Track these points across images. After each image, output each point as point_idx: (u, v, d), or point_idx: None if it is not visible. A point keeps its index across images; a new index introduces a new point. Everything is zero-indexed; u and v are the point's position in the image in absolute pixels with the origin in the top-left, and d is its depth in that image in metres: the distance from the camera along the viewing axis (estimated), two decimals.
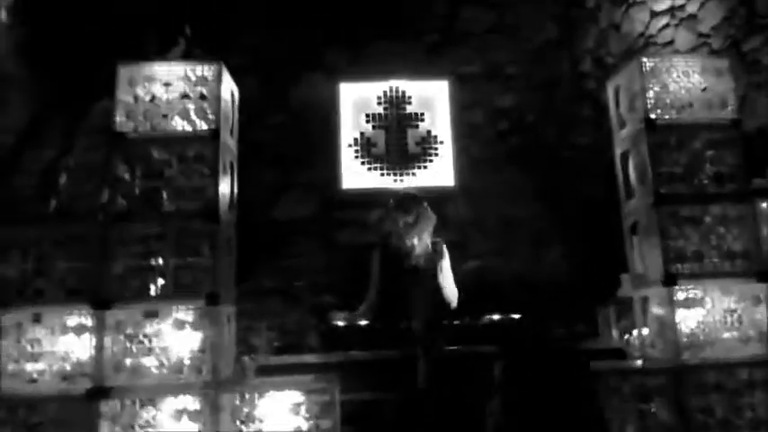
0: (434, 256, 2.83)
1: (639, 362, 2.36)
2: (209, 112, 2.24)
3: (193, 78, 2.26)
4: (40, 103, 4.29)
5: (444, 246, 2.92)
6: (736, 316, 2.09)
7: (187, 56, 4.57)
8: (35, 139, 4.35)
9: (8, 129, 4.14)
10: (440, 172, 4.91)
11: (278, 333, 4.20)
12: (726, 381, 2.05)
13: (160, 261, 2.16)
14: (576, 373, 2.10)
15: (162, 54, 4.50)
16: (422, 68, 5.05)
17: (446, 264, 2.91)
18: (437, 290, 2.78)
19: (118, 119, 2.24)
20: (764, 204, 2.18)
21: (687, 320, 2.07)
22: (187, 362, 2.09)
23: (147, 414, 2.04)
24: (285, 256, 4.78)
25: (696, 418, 2.03)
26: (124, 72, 2.26)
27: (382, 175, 4.90)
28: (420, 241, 2.81)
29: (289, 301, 4.67)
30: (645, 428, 2.05)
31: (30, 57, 4.14)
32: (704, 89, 2.24)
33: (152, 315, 2.11)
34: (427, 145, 4.96)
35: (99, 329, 2.08)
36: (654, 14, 3.79)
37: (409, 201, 2.89)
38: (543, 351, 2.25)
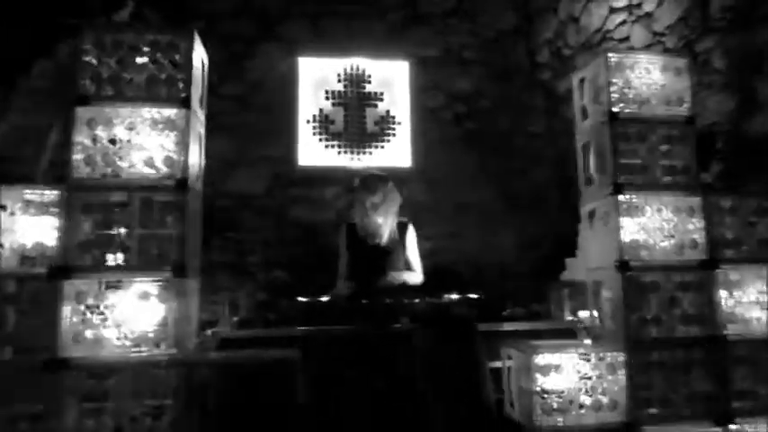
0: (401, 234, 2.88)
1: (588, 341, 2.50)
2: (179, 78, 2.18)
3: (163, 44, 2.19)
4: None
5: (411, 224, 2.98)
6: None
7: (136, 18, 4.38)
8: None
9: None
10: (397, 152, 4.95)
11: (230, 308, 4.15)
12: None
13: (123, 231, 2.11)
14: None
15: (107, 15, 4.29)
16: (383, 48, 5.05)
17: (412, 242, 2.97)
18: (402, 268, 2.84)
19: (80, 81, 2.14)
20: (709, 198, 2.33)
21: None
22: (150, 335, 2.06)
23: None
24: (238, 231, 4.72)
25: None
26: (89, 34, 2.16)
27: (339, 153, 4.89)
28: (386, 220, 2.86)
29: (240, 276, 4.63)
30: None
31: None
32: (663, 86, 2.36)
33: (114, 286, 2.06)
34: (385, 125, 4.98)
35: (58, 300, 2.01)
36: (612, 10, 3.92)
37: (375, 180, 2.93)
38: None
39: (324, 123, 4.90)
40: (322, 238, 4.68)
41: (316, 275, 3.50)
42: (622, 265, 2.21)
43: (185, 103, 2.15)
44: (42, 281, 2.02)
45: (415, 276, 3.09)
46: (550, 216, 4.89)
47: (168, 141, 2.15)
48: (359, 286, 2.81)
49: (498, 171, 5.09)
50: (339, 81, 4.97)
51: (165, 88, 2.17)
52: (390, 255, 2.94)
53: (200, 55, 2.32)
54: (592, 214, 2.43)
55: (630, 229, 2.26)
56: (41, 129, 4.10)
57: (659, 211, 2.27)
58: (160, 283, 2.07)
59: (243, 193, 4.82)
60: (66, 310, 2.01)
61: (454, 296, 2.77)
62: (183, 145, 2.14)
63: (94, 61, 2.17)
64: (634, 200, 2.27)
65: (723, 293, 2.31)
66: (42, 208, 2.10)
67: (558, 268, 4.10)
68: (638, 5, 3.62)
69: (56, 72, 3.89)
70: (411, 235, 3.04)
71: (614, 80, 2.29)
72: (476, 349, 2.34)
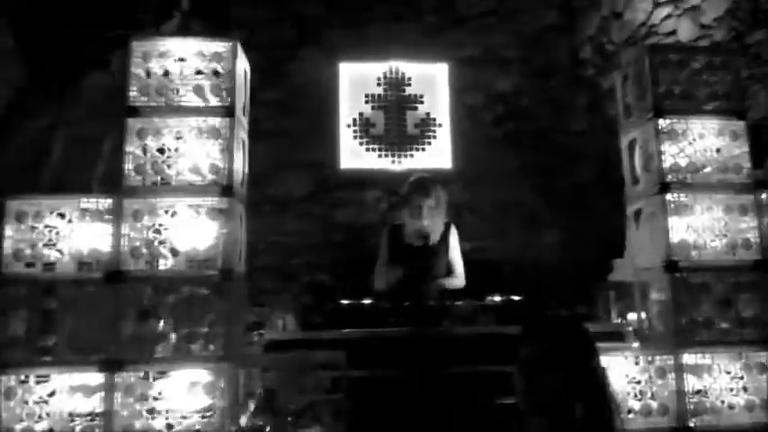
0: (445, 235, 2.89)
1: (636, 344, 2.44)
2: (223, 88, 2.24)
3: (207, 54, 2.26)
4: (31, 73, 4.22)
5: (453, 226, 2.98)
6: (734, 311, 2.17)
7: (183, 29, 4.51)
8: (26, 110, 4.28)
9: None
10: (437, 154, 4.94)
11: (273, 311, 4.24)
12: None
13: (171, 235, 2.18)
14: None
15: (156, 26, 4.44)
16: (422, 50, 5.05)
17: (455, 244, 2.98)
18: (447, 269, 2.85)
19: (131, 93, 2.23)
20: (764, 195, 2.25)
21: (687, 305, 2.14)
22: (202, 332, 2.12)
23: (159, 386, 2.07)
24: (282, 234, 4.80)
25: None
26: (137, 46, 2.25)
27: (380, 156, 4.92)
28: (436, 223, 2.88)
29: (285, 280, 4.71)
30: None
31: (20, 26, 4.07)
32: (711, 82, 2.29)
33: (166, 290, 2.13)
34: (425, 127, 4.98)
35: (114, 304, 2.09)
36: (657, 4, 3.83)
37: (428, 183, 2.96)
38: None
39: (364, 127, 4.94)
40: (364, 240, 4.72)
41: (359, 278, 3.54)
42: (670, 266, 2.15)
43: (229, 112, 2.21)
44: (99, 285, 2.11)
45: (458, 281, 3.08)
46: (595, 215, 4.79)
47: (213, 149, 2.21)
48: (403, 289, 2.82)
49: (540, 170, 5.02)
50: (379, 84, 5.00)
51: (210, 97, 2.24)
52: (437, 257, 2.96)
53: (243, 63, 2.38)
54: (638, 214, 2.37)
55: (679, 229, 2.19)
56: (96, 139, 4.27)
57: (709, 209, 2.20)
58: (209, 286, 2.13)
59: (286, 197, 4.91)
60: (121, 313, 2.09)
61: (496, 298, 2.75)
62: (227, 152, 2.20)
63: (142, 73, 2.26)
64: (682, 198, 2.20)
65: None
66: (98, 215, 2.19)
67: (604, 269, 4.01)
68: None
69: (109, 83, 4.05)
70: (454, 237, 3.05)
71: (660, 75, 2.23)
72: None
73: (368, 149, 4.91)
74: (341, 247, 4.82)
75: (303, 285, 4.77)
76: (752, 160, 2.30)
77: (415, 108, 5.00)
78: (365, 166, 4.88)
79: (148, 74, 2.27)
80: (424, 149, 4.95)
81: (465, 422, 2.46)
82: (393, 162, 4.90)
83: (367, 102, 4.97)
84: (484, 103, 5.16)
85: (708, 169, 2.24)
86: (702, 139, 2.26)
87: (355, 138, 4.92)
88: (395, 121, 4.96)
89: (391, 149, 4.93)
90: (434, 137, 4.97)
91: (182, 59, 2.27)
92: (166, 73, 2.26)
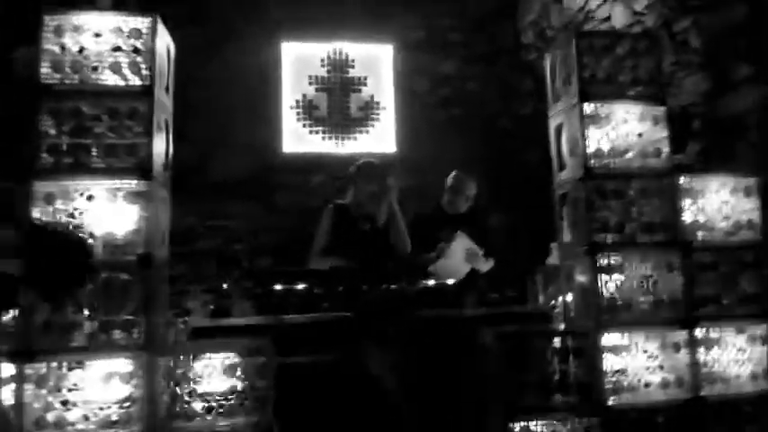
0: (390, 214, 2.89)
1: (562, 326, 2.49)
2: (142, 66, 2.14)
3: (126, 30, 2.15)
4: None
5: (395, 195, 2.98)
6: (651, 281, 2.24)
7: (118, 4, 4.32)
8: None
9: None
10: (381, 138, 4.92)
11: (214, 296, 4.16)
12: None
13: (87, 220, 2.09)
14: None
15: (92, 2, 4.24)
16: (367, 32, 4.99)
17: (398, 214, 2.98)
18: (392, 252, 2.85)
19: (43, 70, 2.11)
20: (682, 180, 2.32)
21: (608, 286, 2.19)
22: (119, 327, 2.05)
23: (74, 377, 2.00)
24: (222, 218, 4.71)
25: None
26: (50, 21, 2.13)
27: (324, 139, 4.86)
28: (381, 208, 2.87)
29: (228, 264, 4.62)
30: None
31: None
32: (634, 67, 2.33)
33: None
34: (370, 110, 4.94)
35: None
36: None
37: (374, 169, 2.93)
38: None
39: (307, 109, 4.86)
40: (308, 225, 4.67)
41: (303, 262, 3.50)
42: (591, 248, 2.19)
43: (148, 91, 2.12)
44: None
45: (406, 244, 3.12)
46: (540, 199, 4.86)
47: (133, 130, 2.12)
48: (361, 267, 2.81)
49: (486, 155, 5.06)
50: (323, 66, 4.93)
51: (129, 75, 2.14)
52: (387, 237, 2.99)
53: (165, 41, 2.28)
54: (564, 197, 2.41)
55: (601, 213, 2.24)
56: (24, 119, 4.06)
57: (629, 194, 2.25)
58: (127, 272, 2.06)
59: (228, 180, 4.79)
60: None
61: (430, 282, 2.76)
62: (146, 134, 2.11)
63: (56, 49, 2.14)
64: (607, 184, 2.25)
65: None
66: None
67: (543, 253, 4.09)
68: None
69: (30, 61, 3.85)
70: (396, 208, 3.06)
71: (585, 60, 2.25)
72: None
73: (311, 132, 4.85)
74: (284, 230, 4.75)
75: (246, 270, 4.69)
76: (674, 145, 2.36)
77: (359, 91, 4.95)
78: (308, 149, 4.82)
79: (63, 49, 2.16)
80: (367, 133, 4.91)
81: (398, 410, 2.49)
82: (337, 145, 4.85)
83: (310, 83, 4.89)
84: (429, 87, 5.15)
85: (630, 154, 2.28)
86: (625, 124, 2.30)
87: (298, 120, 4.85)
88: (339, 103, 4.90)
89: (335, 132, 4.87)
90: (378, 120, 4.94)
91: (98, 35, 2.16)
92: (81, 50, 2.15)
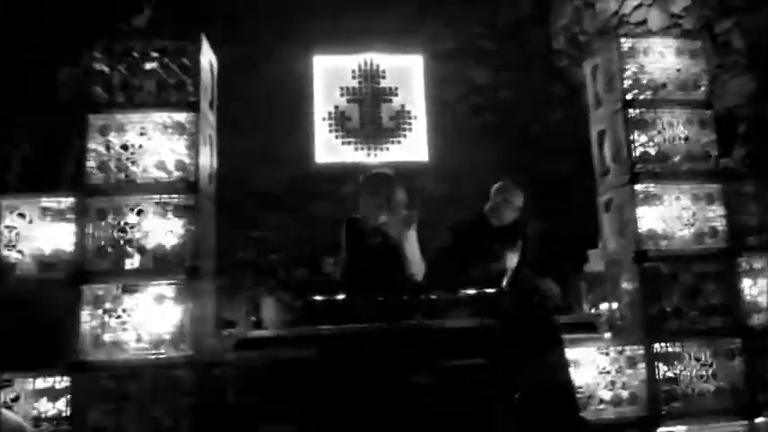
0: (403, 229, 2.82)
1: (608, 334, 2.45)
2: (188, 83, 2.19)
3: (173, 49, 2.21)
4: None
5: (415, 217, 2.91)
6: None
7: (155, 23, 4.43)
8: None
9: None
10: (413, 147, 4.91)
11: (252, 307, 4.19)
12: None
13: (137, 235, 2.14)
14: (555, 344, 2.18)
15: (126, 21, 4.35)
16: (397, 42, 5.00)
17: (412, 235, 2.90)
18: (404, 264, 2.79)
19: (94, 90, 2.18)
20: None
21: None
22: (167, 336, 2.09)
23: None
24: (259, 229, 4.76)
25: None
26: (100, 42, 2.20)
27: (356, 149, 4.87)
28: (391, 219, 2.81)
29: (263, 275, 4.67)
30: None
31: None
32: (678, 70, 2.30)
33: (131, 290, 2.10)
34: (401, 120, 4.94)
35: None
36: None
37: (380, 182, 2.87)
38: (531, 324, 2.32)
39: (340, 120, 4.89)
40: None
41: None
42: (639, 256, 2.16)
43: (194, 107, 2.17)
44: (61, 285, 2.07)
45: (418, 268, 3.03)
46: (573, 206, 4.80)
47: (179, 145, 2.17)
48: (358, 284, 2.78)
49: (518, 161, 5.01)
50: (354, 77, 4.95)
51: (175, 93, 2.19)
52: (398, 251, 2.90)
53: (208, 58, 2.33)
54: (608, 204, 2.38)
55: (648, 219, 2.20)
56: (67, 134, 4.18)
57: (677, 199, 2.21)
58: (175, 286, 2.10)
59: (264, 192, 4.85)
60: (86, 315, 2.05)
61: (470, 291, 2.74)
62: (193, 148, 2.15)
63: (105, 69, 2.20)
64: (651, 189, 2.21)
65: (747, 282, 2.24)
66: (60, 215, 2.14)
67: (581, 261, 4.03)
68: None
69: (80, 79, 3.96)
70: (412, 227, 2.96)
71: (627, 66, 2.23)
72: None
73: (344, 143, 4.87)
74: (319, 240, 4.78)
75: (281, 280, 4.73)
76: (720, 148, 2.31)
77: (391, 101, 4.95)
78: (341, 159, 4.83)
79: (112, 69, 2.22)
80: (399, 142, 4.91)
81: (439, 417, 2.46)
82: (369, 155, 4.85)
83: (342, 95, 4.92)
84: (460, 96, 5.14)
85: (677, 158, 2.25)
86: (671, 128, 2.26)
87: (331, 131, 4.87)
88: (370, 114, 4.91)
89: (367, 143, 4.88)
90: (410, 130, 4.93)
91: (144, 54, 2.22)
92: (129, 68, 2.21)
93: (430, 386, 2.51)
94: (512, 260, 2.89)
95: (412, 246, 2.86)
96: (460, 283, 2.94)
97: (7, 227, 2.09)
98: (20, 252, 2.08)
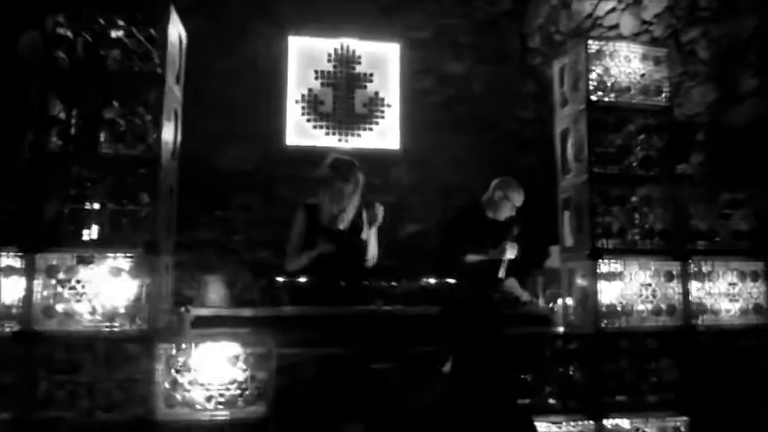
0: (369, 215, 2.83)
1: (562, 328, 2.52)
2: (154, 54, 2.16)
3: (139, 17, 2.16)
4: None
5: (381, 208, 2.93)
6: (650, 290, 2.26)
7: None
8: None
9: None
10: (385, 134, 4.93)
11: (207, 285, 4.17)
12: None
13: (96, 206, 2.10)
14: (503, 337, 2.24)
15: None
16: (374, 29, 4.99)
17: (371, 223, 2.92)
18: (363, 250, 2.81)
19: (55, 53, 2.12)
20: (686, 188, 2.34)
21: (608, 292, 2.22)
22: (122, 310, 2.07)
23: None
24: (224, 209, 4.72)
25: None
26: (65, 7, 2.14)
27: (327, 134, 4.87)
28: (352, 205, 2.83)
29: (225, 255, 4.63)
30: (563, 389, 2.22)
31: None
32: (642, 75, 2.35)
33: (86, 261, 2.06)
34: (374, 106, 4.95)
35: (29, 273, 2.01)
36: None
37: (349, 168, 2.87)
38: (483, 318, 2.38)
39: (313, 103, 4.87)
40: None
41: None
42: (594, 253, 2.22)
43: (160, 80, 2.13)
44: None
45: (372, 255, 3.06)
46: (539, 202, 4.89)
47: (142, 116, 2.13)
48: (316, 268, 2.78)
49: (486, 155, 5.07)
50: (329, 61, 4.93)
51: (140, 63, 2.15)
52: (357, 237, 2.92)
53: (177, 30, 2.29)
54: (567, 202, 2.43)
55: (603, 219, 2.26)
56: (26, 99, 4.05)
57: (632, 198, 2.27)
58: (132, 260, 2.07)
59: (230, 171, 4.80)
60: (38, 285, 2.01)
61: (431, 280, 2.78)
62: (155, 121, 2.12)
63: (69, 34, 2.15)
64: (609, 190, 2.27)
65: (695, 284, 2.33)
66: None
67: (543, 256, 4.11)
68: None
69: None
70: (378, 218, 2.98)
71: (593, 68, 2.27)
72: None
73: (315, 126, 4.85)
74: (284, 223, 4.75)
75: (244, 261, 4.70)
76: (678, 155, 2.39)
77: (365, 87, 4.96)
78: (312, 143, 4.82)
79: (76, 36, 2.17)
80: (371, 129, 4.92)
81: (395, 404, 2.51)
82: (340, 141, 4.86)
83: (316, 78, 4.90)
84: (434, 86, 5.16)
85: (633, 162, 2.31)
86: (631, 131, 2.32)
87: (303, 114, 4.85)
88: (344, 98, 4.91)
89: (339, 128, 4.88)
90: (383, 117, 4.95)
91: (110, 22, 2.17)
92: (95, 35, 2.16)
93: (389, 370, 2.55)
94: (511, 251, 2.91)
95: (372, 234, 2.89)
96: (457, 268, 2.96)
97: None
98: None
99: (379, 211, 2.81)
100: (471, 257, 2.91)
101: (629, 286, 2.24)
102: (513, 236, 2.92)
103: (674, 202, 2.28)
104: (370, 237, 2.83)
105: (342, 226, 2.78)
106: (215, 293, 2.89)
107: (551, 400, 2.22)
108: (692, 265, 2.28)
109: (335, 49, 4.95)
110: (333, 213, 2.79)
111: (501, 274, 2.84)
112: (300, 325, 2.55)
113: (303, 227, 2.81)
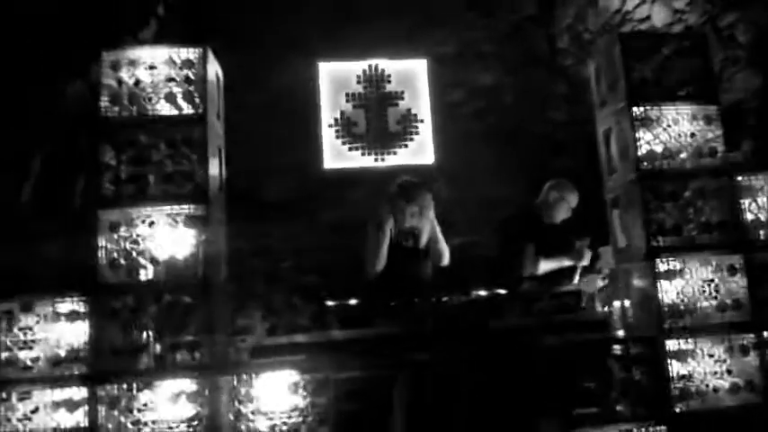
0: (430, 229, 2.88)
1: (622, 332, 2.45)
2: (195, 95, 2.22)
3: (178, 62, 2.24)
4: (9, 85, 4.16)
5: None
6: (713, 286, 2.18)
7: (162, 36, 4.48)
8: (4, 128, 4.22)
9: None
10: (420, 151, 4.94)
11: (265, 314, 4.23)
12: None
13: (150, 246, 2.16)
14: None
15: (134, 34, 4.40)
16: (401, 48, 5.04)
17: (437, 227, 2.98)
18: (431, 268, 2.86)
19: (102, 103, 2.21)
20: (740, 178, 2.26)
21: (668, 291, 2.15)
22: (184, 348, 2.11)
23: (144, 397, 2.06)
24: (270, 237, 4.79)
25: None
26: (107, 56, 2.23)
27: (363, 154, 4.91)
28: (423, 225, 2.88)
29: (274, 282, 4.69)
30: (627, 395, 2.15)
31: None
32: (682, 66, 2.30)
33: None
34: (407, 123, 4.97)
35: (91, 314, 2.08)
36: None
37: (414, 190, 2.94)
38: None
39: (346, 126, 4.93)
40: (351, 239, 4.71)
41: (348, 277, 3.52)
42: (651, 253, 2.16)
43: (201, 119, 2.20)
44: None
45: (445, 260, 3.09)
46: (581, 205, 4.80)
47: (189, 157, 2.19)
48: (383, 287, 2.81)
49: (522, 162, 5.02)
50: (359, 83, 4.99)
51: (183, 104, 2.22)
52: (427, 257, 2.97)
53: (214, 69, 2.36)
54: (615, 201, 2.38)
55: (657, 215, 2.20)
56: (75, 150, 4.21)
57: (686, 195, 2.20)
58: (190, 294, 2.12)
59: (272, 200, 4.88)
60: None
61: (481, 292, 2.75)
62: (202, 159, 2.18)
63: (113, 83, 2.24)
64: (660, 186, 2.21)
65: None
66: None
67: (592, 259, 4.02)
68: None
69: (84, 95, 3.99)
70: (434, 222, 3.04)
71: (631, 63, 2.23)
72: None
73: (351, 148, 4.91)
74: (328, 246, 4.80)
75: (293, 287, 4.75)
76: (727, 143, 2.31)
77: (397, 104, 4.99)
78: (349, 165, 4.87)
79: (120, 83, 2.25)
80: (406, 146, 4.94)
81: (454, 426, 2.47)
82: (376, 160, 4.89)
83: (348, 100, 4.96)
84: (464, 98, 5.15)
85: (683, 155, 2.24)
86: (677, 125, 2.26)
87: (338, 137, 4.91)
88: (376, 118, 4.95)
89: (374, 147, 4.92)
90: (416, 133, 4.96)
91: (152, 67, 2.25)
92: (137, 82, 2.24)
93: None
94: (587, 257, 2.88)
95: (438, 236, 2.93)
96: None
97: None
98: None
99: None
100: (545, 265, 2.87)
101: (689, 284, 2.17)
102: (585, 241, 2.86)
103: (730, 193, 2.19)
104: (438, 237, 2.87)
105: (414, 244, 2.83)
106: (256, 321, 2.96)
107: (619, 407, 2.16)
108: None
109: (364, 71, 5.02)
110: (402, 232, 2.84)
111: (575, 280, 2.79)
112: (352, 348, 2.54)
113: (377, 244, 2.86)
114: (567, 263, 3.06)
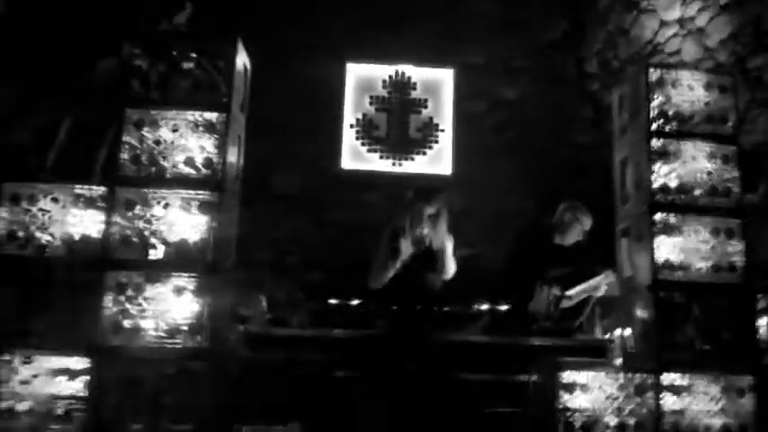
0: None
1: (619, 360, 2.45)
2: (222, 84, 2.26)
3: (210, 50, 2.28)
4: (41, 60, 4.25)
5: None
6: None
7: (193, 23, 4.54)
8: (36, 97, 4.31)
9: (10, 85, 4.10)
10: (438, 159, 4.96)
11: (267, 306, 4.25)
12: None
13: (162, 227, 2.20)
14: None
15: (168, 18, 4.46)
16: (429, 55, 5.06)
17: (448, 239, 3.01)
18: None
19: (131, 86, 2.26)
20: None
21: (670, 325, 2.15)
22: (184, 327, 2.15)
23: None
24: (279, 230, 4.83)
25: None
26: (141, 38, 2.28)
27: (381, 158, 4.94)
28: (437, 232, 2.90)
29: (279, 275, 4.73)
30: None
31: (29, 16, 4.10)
32: (707, 103, 2.30)
33: (153, 279, 2.16)
34: (428, 132, 5.00)
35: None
36: (663, 23, 3.84)
37: (431, 192, 2.97)
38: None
39: (367, 128, 4.96)
40: (360, 241, 4.73)
41: (352, 278, 3.55)
42: (655, 285, 2.16)
43: (226, 108, 2.23)
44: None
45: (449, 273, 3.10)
46: (594, 229, 4.79)
47: (208, 144, 2.24)
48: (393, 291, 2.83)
49: (541, 180, 5.02)
50: (384, 87, 5.02)
51: (209, 93, 2.26)
52: (437, 262, 2.98)
53: (242, 60, 2.40)
54: (626, 231, 2.38)
55: (666, 249, 2.20)
56: (100, 124, 4.28)
57: (696, 231, 2.20)
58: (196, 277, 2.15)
59: (286, 193, 4.92)
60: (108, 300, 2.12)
61: (484, 306, 2.77)
62: (222, 147, 2.22)
63: (144, 64, 2.28)
64: (671, 219, 2.21)
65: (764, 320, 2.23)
66: (90, 202, 2.22)
67: None
68: (691, 19, 3.53)
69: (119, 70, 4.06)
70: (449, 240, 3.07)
71: (654, 96, 2.24)
72: None
73: (369, 151, 4.94)
74: (336, 245, 4.83)
75: (298, 282, 4.78)
76: (744, 184, 2.30)
77: (420, 112, 5.02)
78: (366, 167, 4.90)
79: (151, 66, 2.30)
80: (425, 154, 4.97)
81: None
82: (394, 165, 4.92)
83: (371, 103, 4.99)
84: (487, 111, 5.16)
85: (697, 192, 2.24)
86: (694, 161, 2.26)
87: (358, 138, 4.95)
88: (398, 123, 4.98)
89: (393, 152, 4.95)
90: (436, 142, 4.98)
91: (184, 54, 2.29)
92: (168, 66, 2.29)
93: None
94: (604, 288, 2.89)
95: (449, 251, 2.96)
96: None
97: (41, 210, 2.17)
98: (51, 235, 2.16)
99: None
100: (572, 292, 2.88)
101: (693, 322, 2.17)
102: (609, 271, 2.87)
103: (743, 234, 2.19)
104: (448, 250, 2.89)
105: (429, 249, 2.85)
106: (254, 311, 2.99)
107: None
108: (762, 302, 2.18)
109: (390, 76, 5.05)
110: (416, 236, 2.87)
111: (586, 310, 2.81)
112: (349, 348, 2.57)
113: (389, 250, 2.89)
114: (588, 288, 3.06)
